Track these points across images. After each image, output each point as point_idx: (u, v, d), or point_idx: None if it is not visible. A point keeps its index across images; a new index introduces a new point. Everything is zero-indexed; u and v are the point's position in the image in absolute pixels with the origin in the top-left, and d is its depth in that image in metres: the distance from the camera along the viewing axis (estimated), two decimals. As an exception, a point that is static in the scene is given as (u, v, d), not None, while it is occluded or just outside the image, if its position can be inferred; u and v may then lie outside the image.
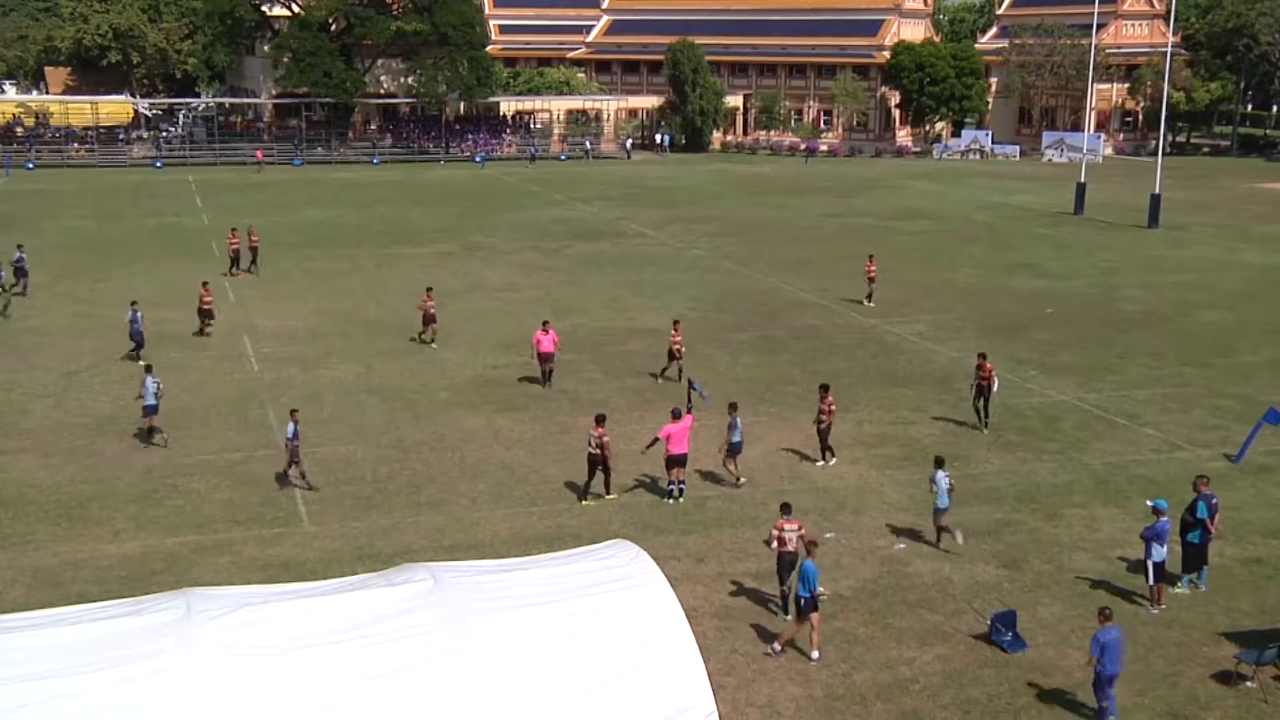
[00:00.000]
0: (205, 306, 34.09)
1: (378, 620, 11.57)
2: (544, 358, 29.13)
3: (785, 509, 18.28)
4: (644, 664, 11.62)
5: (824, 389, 24.40)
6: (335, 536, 20.80)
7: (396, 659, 11.13)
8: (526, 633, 11.59)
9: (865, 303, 39.44)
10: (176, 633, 11.17)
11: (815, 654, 16.80)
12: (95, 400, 28.40)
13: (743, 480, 23.26)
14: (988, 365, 26.54)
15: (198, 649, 10.92)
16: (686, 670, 11.74)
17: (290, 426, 22.53)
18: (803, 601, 16.68)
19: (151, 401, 24.89)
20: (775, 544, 17.88)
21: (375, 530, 21.08)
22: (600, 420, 22.37)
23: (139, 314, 31.49)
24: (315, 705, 10.65)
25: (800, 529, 18.03)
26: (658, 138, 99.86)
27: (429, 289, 34.70)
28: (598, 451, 22.08)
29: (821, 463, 24.42)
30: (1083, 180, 63.54)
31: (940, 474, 20.20)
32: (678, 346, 30.00)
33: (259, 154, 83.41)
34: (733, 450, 23.16)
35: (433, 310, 33.66)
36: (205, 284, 35.03)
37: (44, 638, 11.12)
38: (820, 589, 16.65)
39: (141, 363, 29.05)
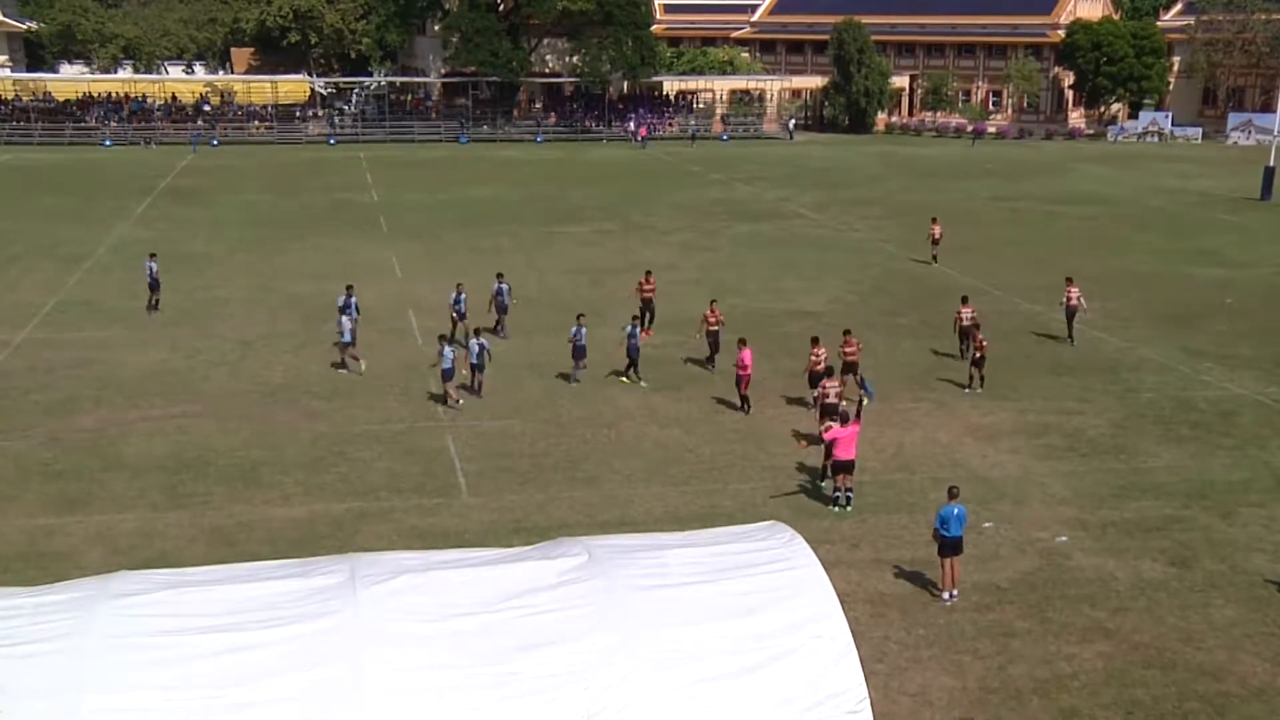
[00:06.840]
0: (647, 296, 32.97)
1: (534, 591, 11.76)
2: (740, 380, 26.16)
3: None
4: (796, 647, 11.54)
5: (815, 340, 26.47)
6: (493, 509, 21.24)
7: (551, 630, 11.31)
8: (679, 610, 11.64)
9: (933, 263, 41.71)
10: (341, 595, 11.57)
11: (946, 594, 17.86)
12: (268, 369, 29.56)
13: (461, 402, 26.05)
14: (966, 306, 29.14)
15: (361, 612, 11.29)
16: (839, 655, 11.62)
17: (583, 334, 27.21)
18: (947, 541, 17.67)
19: (473, 359, 27.27)
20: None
21: (531, 504, 21.46)
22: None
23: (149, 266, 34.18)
24: (472, 671, 10.90)
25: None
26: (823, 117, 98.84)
27: (648, 272, 34.14)
28: None
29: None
30: (1272, 164, 60.45)
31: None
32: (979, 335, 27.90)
33: (643, 130, 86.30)
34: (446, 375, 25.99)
35: (649, 294, 32.91)
36: (648, 273, 34.00)
37: (220, 593, 11.64)
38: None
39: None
